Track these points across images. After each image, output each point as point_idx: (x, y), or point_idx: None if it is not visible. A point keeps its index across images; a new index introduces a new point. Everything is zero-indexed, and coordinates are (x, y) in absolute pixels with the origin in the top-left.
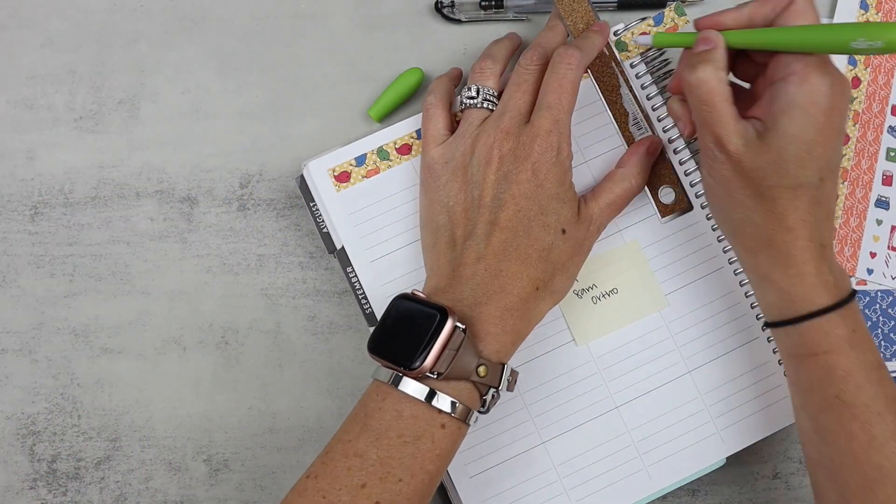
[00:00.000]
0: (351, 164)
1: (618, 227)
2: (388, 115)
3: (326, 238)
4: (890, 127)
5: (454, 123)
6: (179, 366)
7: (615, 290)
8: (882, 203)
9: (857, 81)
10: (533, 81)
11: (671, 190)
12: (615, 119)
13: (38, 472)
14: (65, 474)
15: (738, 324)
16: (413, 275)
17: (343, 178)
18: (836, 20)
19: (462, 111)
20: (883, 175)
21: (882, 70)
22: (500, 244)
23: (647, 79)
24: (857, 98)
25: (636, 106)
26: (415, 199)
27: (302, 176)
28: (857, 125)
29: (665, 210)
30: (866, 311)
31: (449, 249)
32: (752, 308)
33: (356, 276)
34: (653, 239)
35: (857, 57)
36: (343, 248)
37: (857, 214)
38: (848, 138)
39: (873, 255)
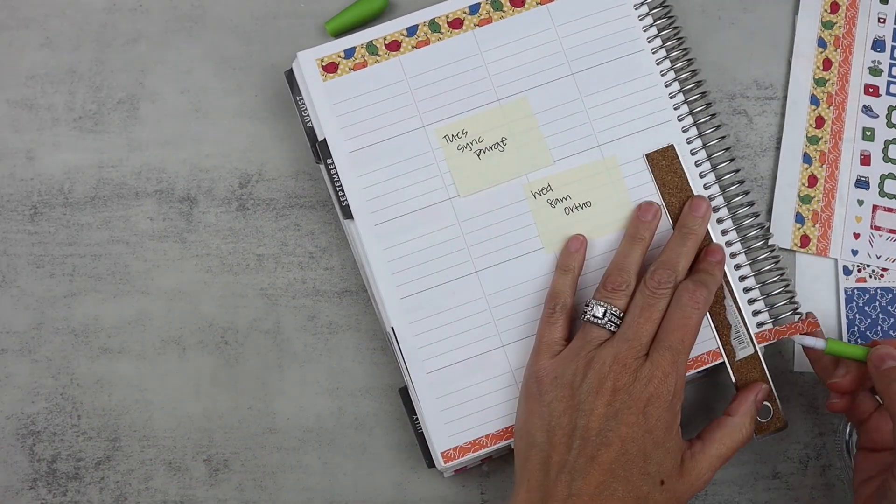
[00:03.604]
0: (339, 56)
1: (598, 142)
2: (343, 33)
3: (310, 132)
4: (864, 106)
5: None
6: (179, 366)
7: (588, 203)
8: (862, 183)
9: (828, 63)
10: (661, 309)
11: (768, 406)
12: (717, 331)
13: (37, 472)
14: (65, 474)
15: None
16: (389, 169)
17: (330, 68)
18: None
19: (582, 322)
20: (861, 155)
21: (852, 50)
22: (596, 486)
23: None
24: (829, 80)
25: (739, 318)
26: (399, 94)
27: (291, 69)
28: (831, 107)
29: (759, 428)
30: (865, 308)
31: (541, 473)
32: (723, 235)
33: (335, 167)
34: (631, 157)
35: (826, 38)
36: (325, 139)
37: (837, 196)
38: (823, 120)
39: (857, 235)
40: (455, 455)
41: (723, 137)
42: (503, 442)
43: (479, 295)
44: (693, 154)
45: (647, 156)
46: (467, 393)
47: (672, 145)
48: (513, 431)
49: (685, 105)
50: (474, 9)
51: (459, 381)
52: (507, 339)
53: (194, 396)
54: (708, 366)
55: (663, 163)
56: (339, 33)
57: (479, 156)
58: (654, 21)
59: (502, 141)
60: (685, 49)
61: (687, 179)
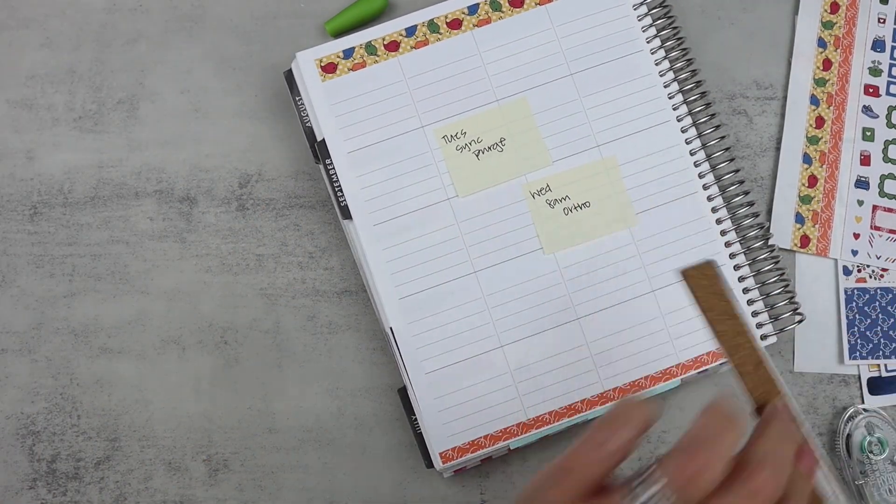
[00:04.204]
0: (338, 56)
1: (597, 143)
2: (343, 33)
3: (309, 133)
4: (864, 107)
5: None
6: (179, 366)
7: (587, 204)
8: (862, 183)
9: (828, 63)
10: None
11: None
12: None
13: (37, 472)
14: (64, 474)
15: (707, 249)
16: (388, 169)
17: (329, 68)
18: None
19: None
20: (861, 155)
21: (852, 50)
22: None
23: None
24: (829, 80)
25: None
26: (398, 95)
27: (290, 70)
28: (831, 107)
29: None
30: (865, 308)
31: None
32: (722, 235)
33: (334, 167)
34: (630, 157)
35: (826, 38)
36: (324, 140)
37: (837, 196)
38: (823, 120)
39: (857, 235)
40: (453, 455)
41: (722, 138)
42: (501, 443)
43: (477, 295)
44: (692, 154)
45: (684, 272)
46: (466, 393)
47: (710, 261)
48: (512, 432)
49: (684, 105)
50: (473, 9)
51: (458, 381)
52: (505, 340)
53: (194, 396)
54: (708, 367)
55: (704, 282)
56: (339, 33)
57: (477, 156)
58: (654, 21)
59: (501, 141)
60: (684, 49)
61: (732, 303)
